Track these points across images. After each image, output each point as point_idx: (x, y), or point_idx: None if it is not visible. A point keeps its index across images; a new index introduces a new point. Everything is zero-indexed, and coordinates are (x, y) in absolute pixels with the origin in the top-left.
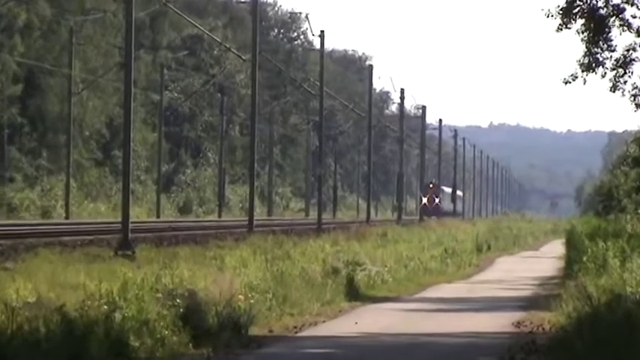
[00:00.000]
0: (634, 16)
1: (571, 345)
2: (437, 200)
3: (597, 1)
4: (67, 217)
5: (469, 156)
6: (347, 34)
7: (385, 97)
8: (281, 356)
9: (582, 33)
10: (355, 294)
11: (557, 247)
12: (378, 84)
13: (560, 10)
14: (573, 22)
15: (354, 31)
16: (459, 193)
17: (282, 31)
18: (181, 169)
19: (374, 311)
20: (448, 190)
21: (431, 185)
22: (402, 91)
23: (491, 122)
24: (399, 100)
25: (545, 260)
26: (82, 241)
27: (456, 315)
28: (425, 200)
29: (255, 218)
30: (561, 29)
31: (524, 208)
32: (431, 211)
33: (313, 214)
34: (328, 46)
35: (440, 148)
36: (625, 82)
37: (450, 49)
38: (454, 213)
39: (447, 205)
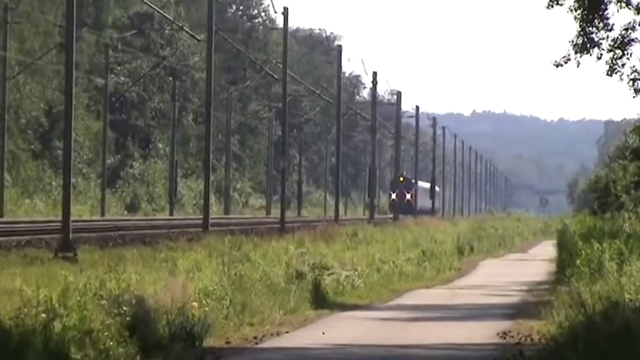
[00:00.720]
0: None
1: (563, 357)
2: (408, 196)
3: None
4: (1, 216)
5: (449, 147)
6: (313, 12)
7: (356, 81)
8: None
9: (575, 10)
10: (322, 301)
11: (547, 249)
12: (348, 67)
13: None
14: None
15: (320, 8)
16: (423, 186)
17: (240, 8)
18: (128, 161)
19: (343, 320)
20: (425, 185)
21: (401, 179)
22: (375, 74)
23: (474, 110)
24: (371, 85)
25: (534, 263)
26: (18, 242)
27: (435, 324)
28: (394, 196)
29: (210, 216)
30: (552, 6)
31: (510, 206)
32: (402, 208)
33: (276, 212)
34: (292, 24)
35: (417, 138)
36: (623, 64)
37: (427, 29)
38: (432, 211)
39: (425, 202)
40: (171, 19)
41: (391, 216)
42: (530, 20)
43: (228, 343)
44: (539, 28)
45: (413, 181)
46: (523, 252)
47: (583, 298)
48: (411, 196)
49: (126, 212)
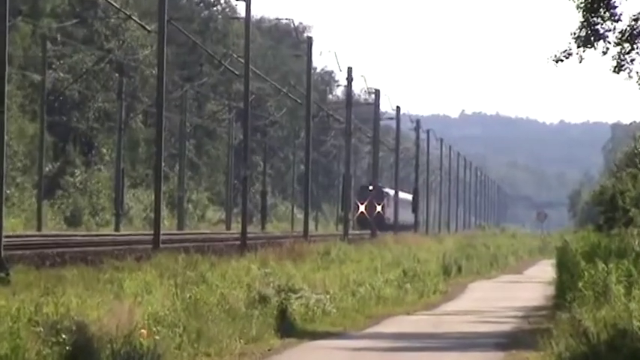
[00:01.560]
0: None
1: None
2: (379, 208)
3: None
4: None
5: (435, 153)
6: None
7: (328, 78)
8: None
9: None
10: (289, 328)
11: (545, 270)
12: (320, 62)
13: None
14: None
15: None
16: (408, 197)
17: None
18: (69, 169)
19: (313, 350)
20: (406, 196)
21: (370, 188)
22: (350, 70)
23: (463, 111)
24: (345, 83)
25: (530, 286)
26: None
27: (417, 356)
28: (362, 208)
29: (162, 232)
30: None
31: (504, 220)
32: (371, 222)
33: (236, 227)
34: (255, 13)
35: (397, 142)
36: (632, 60)
37: (409, 20)
38: (415, 226)
39: (406, 216)
40: (118, 6)
41: (368, 232)
42: (526, 11)
43: None
44: (536, 20)
45: (386, 190)
46: (518, 273)
47: (586, 325)
48: (383, 208)
49: (66, 227)
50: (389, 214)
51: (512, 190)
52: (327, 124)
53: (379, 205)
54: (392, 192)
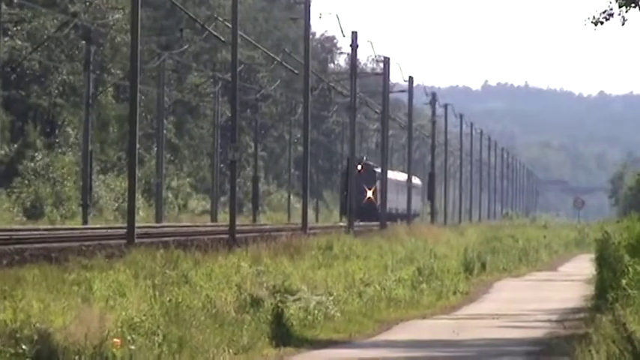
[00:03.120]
0: None
1: None
2: (369, 193)
3: None
4: None
5: (454, 132)
6: None
7: (329, 44)
8: None
9: None
10: (286, 336)
11: (583, 266)
12: (319, 26)
13: None
14: None
15: None
16: (415, 181)
17: None
18: (28, 152)
19: None
20: (417, 181)
21: (359, 168)
22: (354, 35)
23: (486, 82)
24: (349, 50)
25: (565, 285)
26: None
27: None
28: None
29: (137, 225)
30: None
31: (535, 209)
32: (359, 210)
33: (224, 219)
34: None
35: (410, 119)
36: None
37: None
38: (432, 217)
39: (415, 205)
40: None
41: (377, 223)
42: None
43: None
44: None
45: (377, 170)
46: (551, 270)
47: (631, 329)
48: (374, 194)
49: (25, 219)
50: (414, 204)
51: (545, 173)
52: (328, 97)
53: (370, 189)
54: (391, 173)
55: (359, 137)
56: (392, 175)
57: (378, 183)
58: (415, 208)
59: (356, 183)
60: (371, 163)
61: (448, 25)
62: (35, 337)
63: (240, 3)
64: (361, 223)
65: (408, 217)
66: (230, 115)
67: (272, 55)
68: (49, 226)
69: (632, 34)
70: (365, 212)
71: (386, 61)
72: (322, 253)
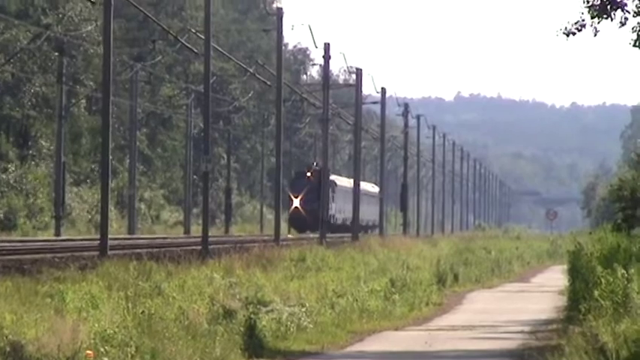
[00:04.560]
0: None
1: None
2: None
3: None
4: None
5: (427, 142)
6: None
7: (302, 56)
8: None
9: None
10: (258, 347)
11: (556, 277)
12: (292, 37)
13: None
14: None
15: None
16: (371, 189)
17: None
18: (1, 164)
19: None
20: (366, 187)
21: (309, 174)
22: (327, 46)
23: (459, 93)
24: (322, 61)
25: (538, 296)
26: None
27: None
28: (296, 202)
29: (110, 236)
30: None
31: (507, 220)
32: (307, 219)
33: (196, 230)
34: None
35: (383, 130)
36: None
37: None
38: (404, 229)
39: (368, 214)
40: None
41: (349, 235)
42: None
43: None
44: None
45: (332, 178)
46: (524, 281)
47: (603, 341)
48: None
49: None
50: (337, 210)
51: (517, 184)
52: (300, 109)
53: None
54: (344, 180)
55: (332, 149)
56: (341, 182)
57: (330, 191)
58: (373, 219)
59: (305, 191)
60: (326, 169)
61: (420, 37)
62: (7, 349)
63: (213, 15)
64: (332, 235)
65: (353, 228)
66: (203, 126)
67: (245, 66)
68: (22, 238)
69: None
70: (315, 222)
71: (358, 72)
72: (295, 265)
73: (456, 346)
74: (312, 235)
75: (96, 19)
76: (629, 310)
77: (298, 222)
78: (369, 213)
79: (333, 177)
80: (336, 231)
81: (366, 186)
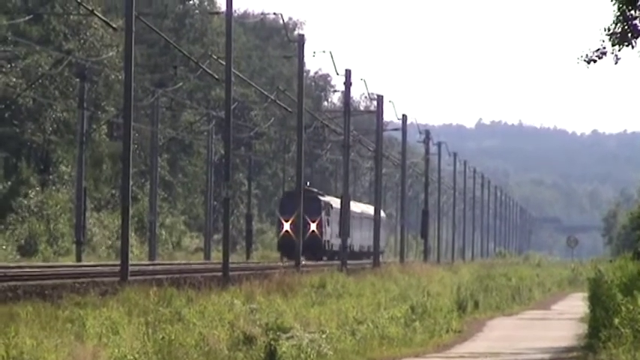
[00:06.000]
0: None
1: None
2: (313, 226)
3: None
4: None
5: (448, 170)
6: None
7: (323, 82)
8: None
9: None
10: None
11: (576, 305)
12: (313, 64)
13: None
14: None
15: None
16: (362, 211)
17: None
18: (22, 189)
19: None
20: (365, 209)
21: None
22: (348, 73)
23: (480, 120)
24: (342, 88)
25: (558, 324)
26: None
27: None
28: (287, 226)
29: (130, 262)
30: None
31: (528, 247)
32: (298, 246)
33: (217, 256)
34: (238, 7)
35: (404, 157)
36: None
37: (417, 17)
38: (425, 257)
39: (365, 239)
40: (78, 0)
41: (370, 261)
42: (553, 5)
43: None
44: (564, 15)
45: (326, 200)
46: (544, 308)
47: None
48: (319, 226)
49: (19, 257)
50: (331, 235)
51: (538, 212)
52: (322, 135)
53: (313, 221)
54: (338, 202)
55: (352, 175)
56: (339, 204)
57: (324, 213)
58: (369, 244)
59: (297, 213)
60: (315, 190)
61: (442, 64)
62: None
63: (235, 41)
64: (352, 262)
65: (320, 252)
66: (224, 152)
67: (266, 92)
68: (43, 263)
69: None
70: (308, 248)
71: (379, 99)
72: (315, 291)
73: None
74: (306, 263)
75: (117, 45)
76: None
77: (289, 248)
78: (365, 238)
79: (327, 198)
80: (331, 258)
81: (363, 207)
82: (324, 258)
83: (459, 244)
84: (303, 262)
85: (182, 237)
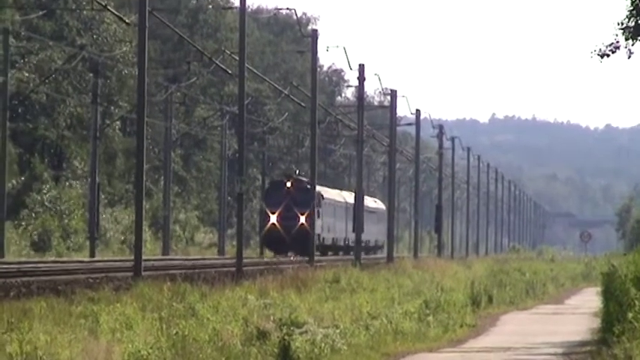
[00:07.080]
0: None
1: None
2: (302, 219)
3: None
4: None
5: (461, 164)
6: None
7: (337, 77)
8: None
9: None
10: None
11: (590, 299)
12: (326, 59)
13: None
14: None
15: None
16: (375, 205)
17: None
18: (36, 185)
19: None
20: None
21: (289, 184)
22: (362, 68)
23: (494, 115)
24: (356, 83)
25: (572, 318)
26: None
27: None
28: (274, 218)
29: (144, 258)
30: None
31: (542, 242)
32: (287, 239)
33: (231, 252)
34: (252, 2)
35: (417, 152)
36: None
37: (430, 12)
38: (439, 253)
39: (377, 235)
40: None
41: (384, 256)
42: (566, 0)
43: None
44: (577, 9)
45: (317, 190)
46: (558, 303)
47: None
48: (308, 219)
49: (32, 252)
50: (324, 228)
51: (552, 206)
52: (335, 130)
53: (302, 214)
54: (332, 193)
55: (366, 170)
56: (329, 194)
57: (314, 205)
58: (375, 238)
59: (284, 204)
60: (305, 179)
61: (455, 58)
62: None
63: (248, 36)
64: (366, 257)
65: (306, 245)
66: (237, 147)
67: (279, 87)
68: (56, 259)
69: (639, 67)
70: (296, 242)
71: (393, 93)
72: (329, 286)
73: None
74: (295, 258)
75: (130, 41)
76: None
77: (275, 242)
78: (369, 232)
79: (318, 188)
80: (325, 252)
81: (366, 201)
82: (317, 253)
83: (473, 239)
84: (292, 258)
85: (195, 232)
